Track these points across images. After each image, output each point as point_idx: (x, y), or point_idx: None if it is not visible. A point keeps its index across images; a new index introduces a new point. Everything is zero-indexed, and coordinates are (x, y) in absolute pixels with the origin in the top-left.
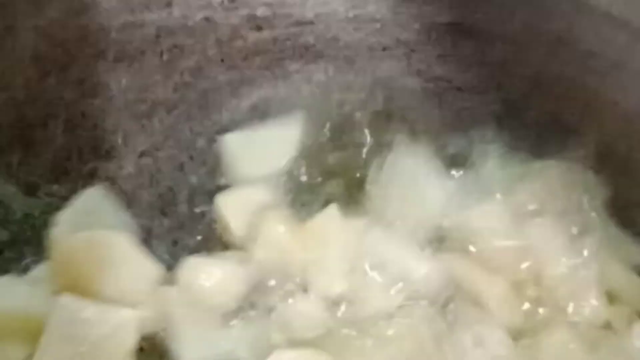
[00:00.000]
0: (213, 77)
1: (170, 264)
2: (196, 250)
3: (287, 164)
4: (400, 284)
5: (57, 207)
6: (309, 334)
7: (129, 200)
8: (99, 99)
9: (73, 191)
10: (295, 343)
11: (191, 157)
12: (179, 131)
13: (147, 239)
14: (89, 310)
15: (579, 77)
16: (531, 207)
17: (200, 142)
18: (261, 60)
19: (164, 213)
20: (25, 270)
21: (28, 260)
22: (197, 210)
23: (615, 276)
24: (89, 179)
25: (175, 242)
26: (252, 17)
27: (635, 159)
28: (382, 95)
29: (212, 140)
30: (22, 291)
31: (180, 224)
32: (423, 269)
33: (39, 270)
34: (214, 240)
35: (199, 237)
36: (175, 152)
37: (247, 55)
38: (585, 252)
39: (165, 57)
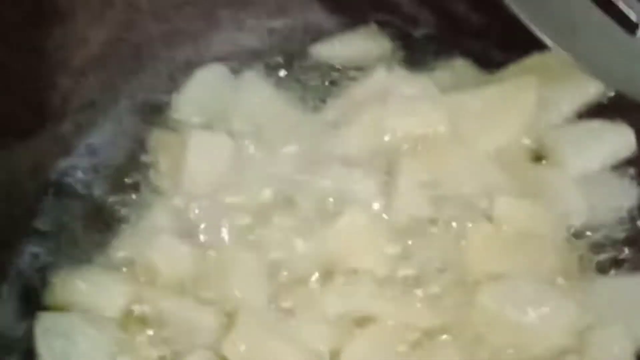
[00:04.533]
0: (145, 30)
1: None
2: None
3: None
4: None
5: None
6: None
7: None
8: (33, 59)
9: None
10: None
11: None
12: (116, 86)
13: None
14: None
15: None
16: None
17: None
18: (193, 10)
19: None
20: None
21: None
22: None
23: None
24: (28, 137)
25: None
26: None
27: None
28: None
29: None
30: None
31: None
32: None
33: None
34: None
35: None
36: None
37: (179, 5)
38: None
39: (96, 11)
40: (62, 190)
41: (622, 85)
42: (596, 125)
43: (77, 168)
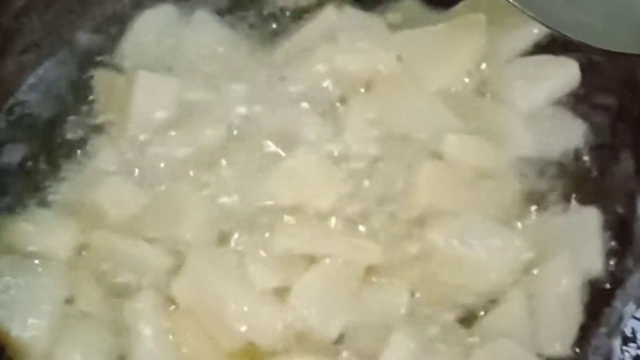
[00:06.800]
0: None
1: None
2: None
3: None
4: None
5: None
6: None
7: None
8: None
9: None
10: None
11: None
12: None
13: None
14: None
15: None
16: None
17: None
18: None
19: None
20: None
21: None
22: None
23: None
24: None
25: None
26: None
27: None
28: None
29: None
30: None
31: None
32: None
33: None
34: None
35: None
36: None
37: None
38: None
39: None
40: (5, 132)
41: (563, 28)
42: (542, 59)
43: (21, 110)
